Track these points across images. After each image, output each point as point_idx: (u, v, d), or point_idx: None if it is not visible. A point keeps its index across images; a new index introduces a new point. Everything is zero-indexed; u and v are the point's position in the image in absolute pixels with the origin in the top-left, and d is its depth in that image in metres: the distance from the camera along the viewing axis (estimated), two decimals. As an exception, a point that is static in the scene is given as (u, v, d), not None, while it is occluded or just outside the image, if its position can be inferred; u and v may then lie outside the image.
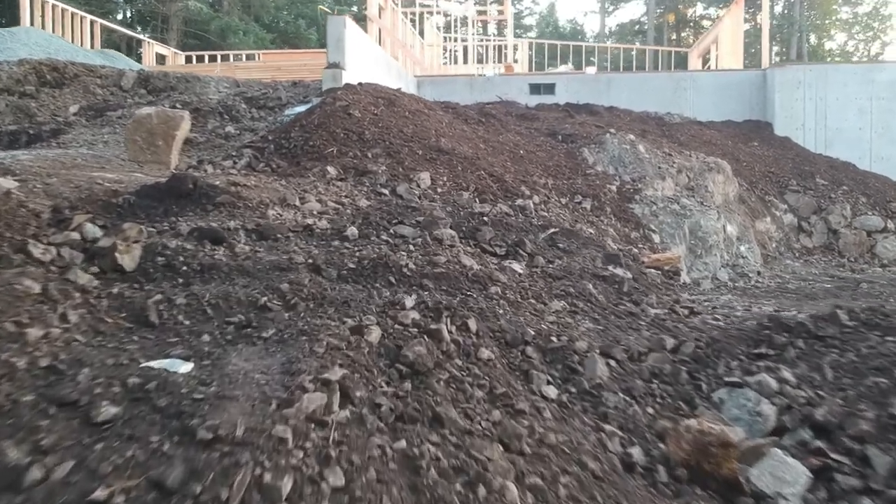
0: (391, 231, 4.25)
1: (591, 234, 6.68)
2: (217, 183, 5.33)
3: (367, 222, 4.46)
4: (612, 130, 9.46)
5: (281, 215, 4.81)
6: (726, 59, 16.03)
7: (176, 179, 5.08)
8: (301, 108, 9.16)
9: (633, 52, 27.93)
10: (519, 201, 6.76)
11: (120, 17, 36.04)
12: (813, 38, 49.96)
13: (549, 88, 12.86)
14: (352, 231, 4.12)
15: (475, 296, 3.35)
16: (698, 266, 7.91)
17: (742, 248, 8.72)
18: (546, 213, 6.79)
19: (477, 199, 6.48)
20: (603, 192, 8.15)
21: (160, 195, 4.99)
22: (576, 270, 4.28)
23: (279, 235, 4.03)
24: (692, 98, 12.57)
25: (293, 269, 3.28)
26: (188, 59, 22.26)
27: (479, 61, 20.95)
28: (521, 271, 4.02)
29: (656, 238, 7.78)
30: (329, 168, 6.40)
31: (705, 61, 20.13)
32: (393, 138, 7.14)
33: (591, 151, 9.04)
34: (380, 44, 11.78)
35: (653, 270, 6.50)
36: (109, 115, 9.29)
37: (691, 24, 53.82)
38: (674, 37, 52.14)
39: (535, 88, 12.85)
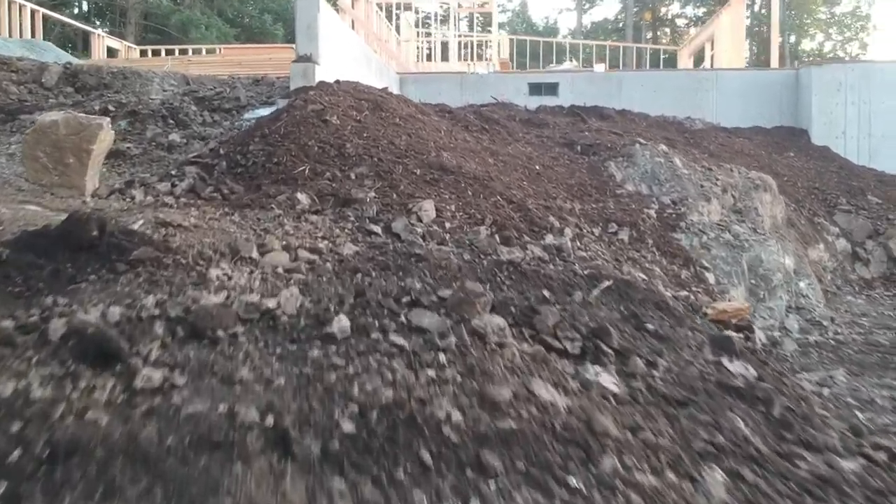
0: (403, 320, 2.70)
1: (643, 280, 5.19)
2: (137, 226, 3.76)
3: (361, 299, 2.90)
4: (642, 140, 7.99)
5: (229, 280, 3.25)
6: (725, 58, 14.71)
7: (73, 223, 3.50)
8: (263, 112, 7.56)
9: (621, 50, 26.64)
10: (550, 238, 5.24)
11: (76, 10, 34.10)
12: (792, 39, 49.18)
13: (552, 88, 11.38)
14: (340, 324, 2.57)
15: (579, 485, 1.81)
16: (762, 312, 6.47)
17: (802, 285, 7.30)
18: (585, 254, 5.28)
19: (498, 238, 4.95)
20: (640, 218, 6.66)
21: (49, 246, 3.43)
22: (692, 378, 2.76)
23: (220, 334, 2.47)
24: (715, 100, 11.16)
25: (237, 444, 1.71)
26: (143, 53, 20.47)
27: (462, 58, 19.48)
28: (618, 391, 2.50)
29: (710, 277, 6.31)
30: (300, 195, 4.84)
31: (698, 61, 18.84)
32: (382, 153, 5.58)
33: (618, 166, 7.55)
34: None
35: (724, 328, 5.07)
36: (23, 119, 7.60)
37: (668, 23, 52.91)
38: (649, 35, 51.15)
39: (536, 88, 11.37)
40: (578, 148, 7.92)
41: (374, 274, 3.78)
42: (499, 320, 2.70)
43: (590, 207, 6.56)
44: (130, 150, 6.90)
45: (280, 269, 3.62)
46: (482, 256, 4.37)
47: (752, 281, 6.61)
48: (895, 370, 4.83)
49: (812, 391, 3.69)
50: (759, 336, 5.48)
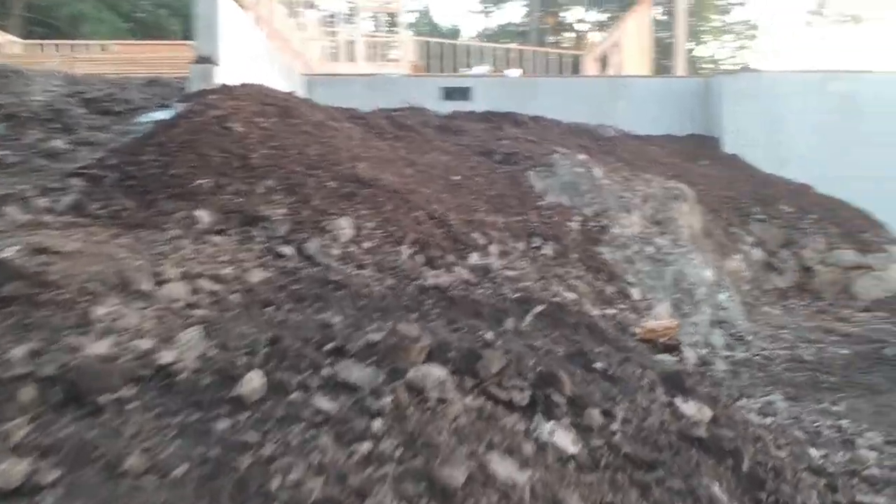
0: (327, 373, 2.31)
1: (573, 301, 4.96)
2: (8, 254, 3.25)
3: (277, 346, 2.49)
4: (561, 150, 7.80)
5: (118, 321, 2.81)
6: (630, 64, 14.82)
7: (-78, 253, 2.98)
8: (159, 116, 6.97)
9: (531, 54, 26.68)
10: (475, 257, 4.94)
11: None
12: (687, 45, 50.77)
13: (465, 93, 11.12)
14: (252, 384, 2.16)
15: None
16: (687, 328, 6.34)
17: (721, 297, 7.25)
18: (512, 273, 5.01)
19: (422, 259, 4.61)
20: (563, 231, 6.46)
21: None
22: (653, 431, 2.49)
23: (105, 399, 2.05)
24: (627, 108, 11.14)
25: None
26: (27, 49, 19.12)
27: (369, 59, 19.01)
28: (578, 452, 2.20)
29: (635, 293, 6.15)
30: (200, 212, 4.38)
31: (604, 66, 19.01)
32: (292, 164, 5.16)
33: (538, 176, 7.34)
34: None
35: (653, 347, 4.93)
36: None
37: (570, 27, 53.78)
38: (552, 39, 51.83)
39: (449, 93, 11.08)
40: (497, 157, 7.66)
41: (287, 306, 3.38)
42: (438, 371, 2.35)
43: (512, 221, 6.30)
44: (7, 158, 6.23)
45: (179, 304, 3.18)
46: (406, 281, 4.02)
47: (677, 295, 6.50)
48: (829, 391, 4.74)
49: (760, 424, 3.49)
50: (690, 356, 5.33)
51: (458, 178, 6.73)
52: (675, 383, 3.05)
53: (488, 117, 10.67)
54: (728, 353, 5.92)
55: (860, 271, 9.01)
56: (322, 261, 4.09)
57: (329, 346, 2.50)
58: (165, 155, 5.02)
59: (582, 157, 7.88)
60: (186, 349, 2.47)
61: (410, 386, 2.26)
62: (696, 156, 10.53)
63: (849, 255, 9.03)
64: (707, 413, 2.92)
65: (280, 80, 8.68)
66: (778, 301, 8.46)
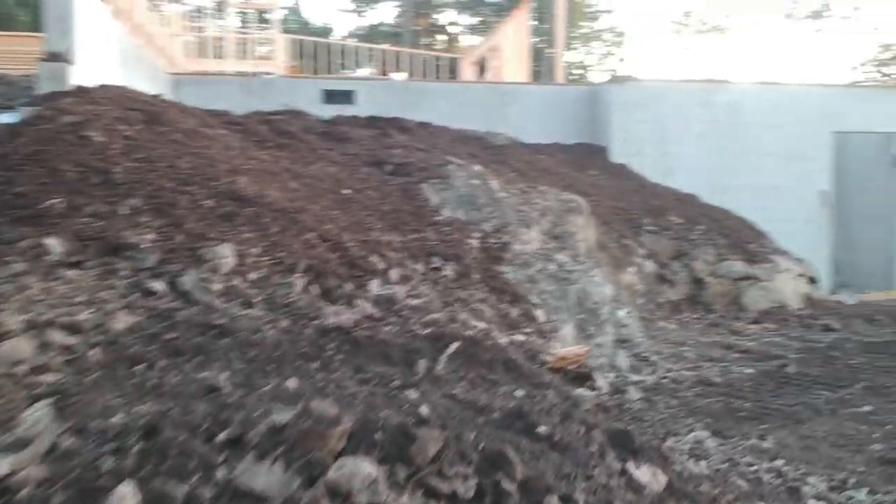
0: (222, 477, 1.79)
1: (482, 332, 4.58)
2: None
3: (154, 440, 1.95)
4: (457, 161, 7.44)
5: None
6: (508, 69, 14.75)
7: None
8: (3, 120, 6.09)
9: (407, 56, 26.32)
10: (376, 285, 4.49)
11: None
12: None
13: (348, 97, 10.60)
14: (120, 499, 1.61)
15: None
16: (592, 350, 6.08)
17: (621, 314, 7.09)
18: (417, 301, 4.58)
19: (318, 289, 4.10)
20: (464, 250, 6.08)
21: None
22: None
23: None
24: (516, 115, 10.94)
25: None
26: None
27: (240, 57, 18.12)
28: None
29: (540, 315, 5.86)
30: (51, 240, 3.71)
31: (481, 70, 18.96)
32: (162, 179, 4.53)
33: (433, 189, 6.94)
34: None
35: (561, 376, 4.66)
36: None
37: (443, 30, 53.89)
38: (425, 41, 51.78)
39: (331, 96, 10.53)
40: (388, 168, 7.20)
41: (161, 363, 2.81)
42: (366, 466, 1.88)
43: (410, 239, 5.86)
44: None
45: (22, 368, 2.55)
46: (303, 322, 3.51)
47: (581, 316, 6.25)
48: (749, 420, 4.56)
49: (701, 474, 3.20)
50: (602, 384, 5.06)
51: (349, 191, 6.22)
52: (624, 444, 2.70)
53: (373, 123, 10.19)
54: (637, 378, 5.71)
55: (748, 282, 9.13)
56: (201, 298, 3.51)
57: (222, 435, 1.97)
58: (8, 169, 4.28)
59: (477, 167, 7.54)
60: (32, 436, 1.88)
61: (333, 490, 1.77)
62: (585, 165, 10.44)
63: (738, 267, 9.13)
64: (662, 479, 2.60)
65: (144, 80, 7.89)
66: (672, 315, 8.42)
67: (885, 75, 30.29)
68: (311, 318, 3.54)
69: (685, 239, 9.20)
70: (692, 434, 4.16)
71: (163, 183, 4.48)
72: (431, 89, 10.86)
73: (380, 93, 10.66)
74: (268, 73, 10.83)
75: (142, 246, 3.81)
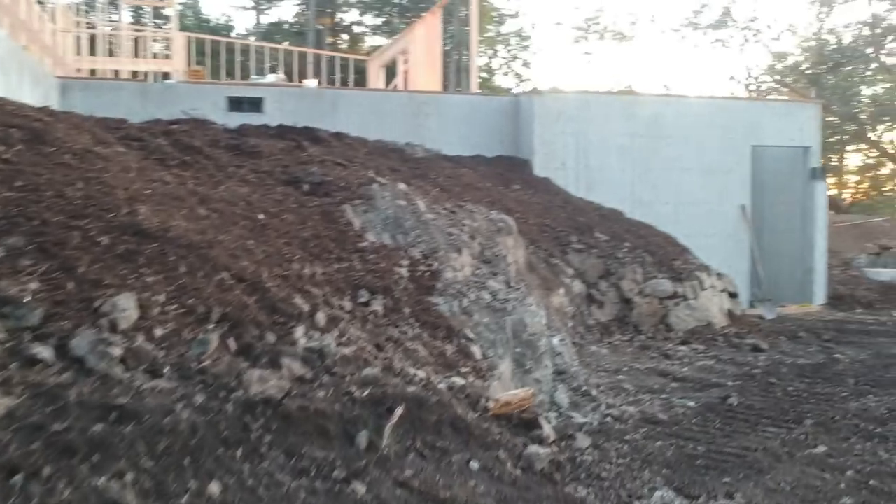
0: None
1: (422, 381, 4.15)
2: None
3: None
4: (380, 179, 6.95)
5: None
6: (419, 74, 14.34)
7: None
8: None
9: (312, 57, 25.51)
10: (302, 333, 3.99)
11: None
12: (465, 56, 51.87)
13: (256, 104, 9.95)
14: None
15: None
16: (530, 385, 5.73)
17: (555, 341, 6.78)
18: (349, 350, 4.10)
19: (236, 344, 3.57)
20: (393, 280, 5.62)
21: None
22: None
23: None
24: (436, 126, 10.54)
25: None
26: None
27: (135, 55, 17.08)
28: None
29: (477, 351, 5.45)
30: None
31: (390, 75, 18.51)
32: (48, 212, 3.90)
33: (356, 211, 6.44)
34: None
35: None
36: None
37: (346, 29, 53.06)
38: (329, 41, 50.82)
39: (237, 104, 9.85)
40: (306, 187, 6.65)
41: (48, 469, 2.25)
42: None
43: (334, 270, 5.35)
44: None
45: None
46: (223, 394, 2.98)
47: (518, 349, 5.87)
48: (709, 471, 4.26)
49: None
50: (548, 431, 4.68)
51: (264, 216, 5.66)
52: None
53: (284, 133, 9.59)
54: (581, 419, 5.37)
55: (675, 301, 9.00)
56: (97, 366, 2.94)
57: None
58: None
59: (402, 186, 7.08)
60: None
61: None
62: (509, 179, 10.12)
63: (665, 285, 8.98)
64: None
65: (27, 86, 7.09)
66: (603, 337, 8.19)
67: (780, 84, 31.41)
68: (231, 389, 3.02)
69: (612, 257, 8.99)
70: (657, 494, 3.83)
71: (49, 217, 3.84)
72: (346, 97, 10.32)
73: (290, 101, 10.05)
74: (167, 79, 10.04)
75: (23, 300, 3.19)
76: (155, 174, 5.51)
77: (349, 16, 53.86)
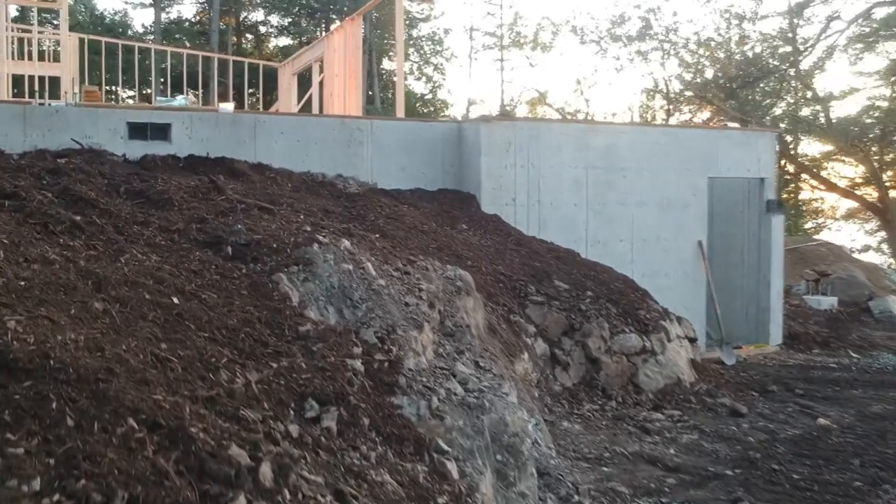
0: None
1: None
2: None
3: None
4: (321, 237, 5.82)
5: None
6: (337, 85, 13.21)
7: None
8: None
9: (215, 61, 23.96)
10: (245, 512, 2.86)
11: None
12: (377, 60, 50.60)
13: (162, 131, 8.62)
14: None
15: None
16: (516, 502, 4.76)
17: (530, 428, 5.76)
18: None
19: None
20: (345, 380, 4.53)
21: None
22: None
23: None
24: (371, 155, 9.43)
25: None
26: None
27: (14, 57, 15.31)
28: None
29: (453, 469, 4.45)
30: None
31: (303, 84, 17.28)
32: None
33: (292, 281, 5.31)
34: None
35: None
36: None
37: (251, 29, 51.12)
38: (233, 41, 48.81)
39: (139, 130, 8.50)
40: (229, 249, 5.45)
41: None
42: None
43: (272, 373, 4.22)
44: None
45: None
46: None
47: (499, 456, 4.87)
48: None
49: None
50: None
51: (178, 299, 4.47)
52: None
53: (196, 166, 8.36)
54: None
55: (643, 357, 8.17)
56: None
57: None
58: None
59: (346, 244, 5.96)
60: None
61: None
62: (454, 218, 9.10)
63: (632, 340, 8.15)
64: None
65: None
66: (573, 408, 7.28)
67: (700, 98, 31.51)
68: None
69: (575, 310, 8.08)
70: None
71: None
72: (266, 123, 9.09)
73: (203, 127, 8.75)
74: (57, 104, 8.60)
75: None
76: (34, 249, 4.26)
77: (254, 15, 51.83)
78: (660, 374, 8.22)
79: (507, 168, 9.51)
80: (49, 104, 8.54)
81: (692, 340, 9.40)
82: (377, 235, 7.41)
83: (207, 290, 4.80)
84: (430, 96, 50.42)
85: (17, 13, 26.83)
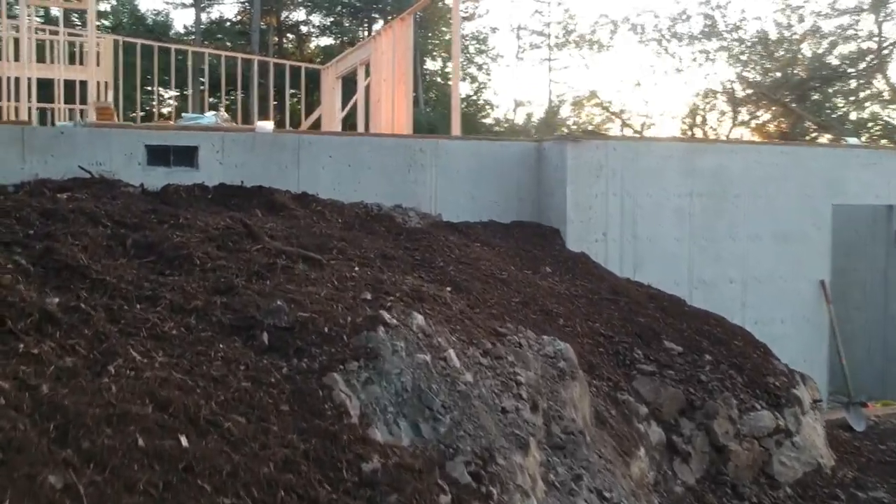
0: None
1: None
2: None
3: None
4: (388, 316, 4.37)
5: None
6: (385, 92, 11.83)
7: None
8: None
9: (255, 64, 22.79)
10: None
11: None
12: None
13: (187, 156, 7.27)
14: None
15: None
16: None
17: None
18: None
19: None
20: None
21: None
22: None
23: None
24: (435, 181, 7.99)
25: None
26: None
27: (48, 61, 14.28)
28: None
29: None
30: None
31: (348, 89, 15.90)
32: None
33: (351, 385, 3.89)
34: None
35: None
36: None
37: (293, 28, 50.15)
38: (274, 40, 47.83)
39: (160, 155, 7.16)
40: (265, 338, 4.03)
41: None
42: None
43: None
44: None
45: None
46: None
47: None
48: None
49: None
50: None
51: (189, 438, 3.06)
52: None
53: (227, 198, 7.01)
54: None
55: (776, 439, 6.61)
56: None
57: None
58: None
59: (419, 319, 4.52)
60: None
61: None
62: (535, 258, 7.62)
63: (764, 419, 6.60)
64: None
65: None
66: (700, 517, 5.74)
67: (766, 99, 29.58)
68: None
69: (694, 381, 6.54)
70: None
71: None
72: (312, 144, 7.68)
73: (236, 150, 7.38)
74: (64, 125, 7.31)
75: None
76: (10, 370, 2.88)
77: (296, 14, 50.84)
78: (797, 461, 6.66)
79: (598, 197, 7.99)
80: (58, 124, 7.24)
81: (816, 402, 7.82)
82: (450, 289, 5.97)
83: (233, 412, 3.39)
84: (474, 97, 49.00)
85: (41, 14, 26.04)
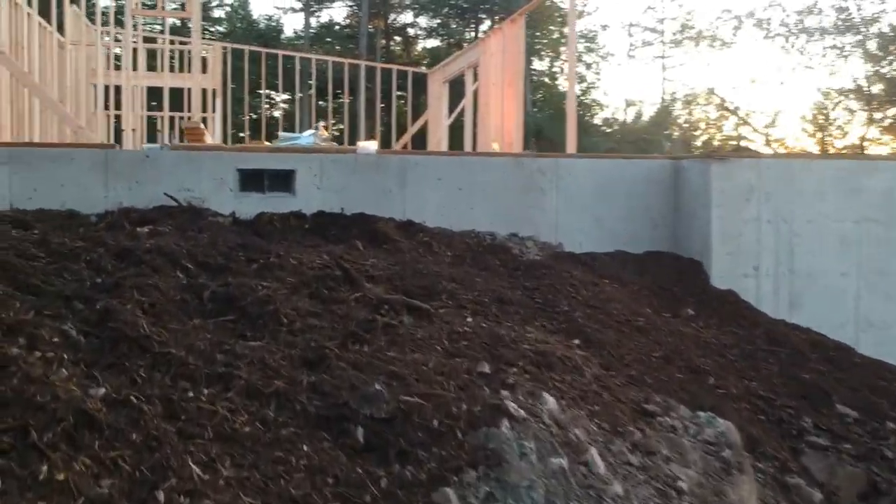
0: None
1: None
2: None
3: None
4: (513, 407, 3.48)
5: None
6: (493, 96, 10.97)
7: None
8: None
9: (360, 69, 22.46)
10: None
11: None
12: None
13: (283, 181, 6.59)
14: None
15: None
16: None
17: None
18: None
19: None
20: None
21: None
22: None
23: None
24: (556, 207, 7.04)
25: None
26: None
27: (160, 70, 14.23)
28: None
29: None
30: None
31: (455, 93, 15.05)
32: None
33: (467, 497, 2.98)
34: None
35: None
36: None
37: (400, 31, 49.99)
38: (382, 43, 47.73)
39: (254, 180, 6.50)
40: (360, 434, 3.21)
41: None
42: None
43: None
44: None
45: None
46: None
47: None
48: None
49: None
50: None
51: None
52: None
53: (327, 227, 6.31)
54: None
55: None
56: None
57: None
58: None
59: (551, 402, 3.62)
60: None
61: None
62: (674, 297, 6.58)
63: (967, 507, 5.36)
64: None
65: None
66: None
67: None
68: None
69: (877, 457, 5.38)
70: None
71: None
72: (419, 166, 6.87)
73: (336, 173, 6.65)
74: (150, 147, 6.78)
75: None
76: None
77: (403, 17, 50.68)
78: None
79: (748, 223, 6.87)
80: (144, 146, 6.71)
81: None
82: (578, 342, 5.05)
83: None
84: (581, 97, 47.67)
85: (157, 23, 26.35)
